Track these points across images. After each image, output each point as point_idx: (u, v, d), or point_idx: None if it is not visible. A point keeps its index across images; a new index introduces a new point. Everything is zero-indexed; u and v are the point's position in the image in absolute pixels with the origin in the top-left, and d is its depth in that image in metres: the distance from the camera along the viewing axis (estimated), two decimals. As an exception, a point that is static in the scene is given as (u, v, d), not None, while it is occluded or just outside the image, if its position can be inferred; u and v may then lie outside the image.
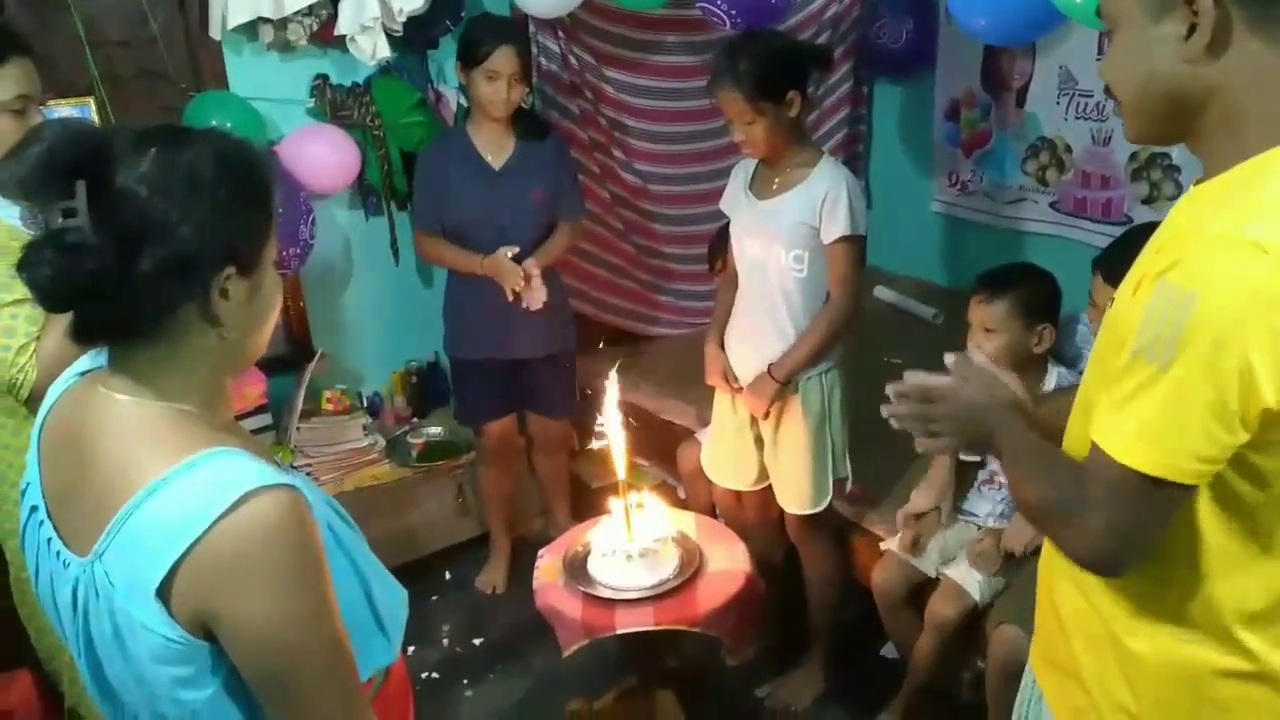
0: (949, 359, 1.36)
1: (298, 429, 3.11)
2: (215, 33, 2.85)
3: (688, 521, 2.40)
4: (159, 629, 0.92)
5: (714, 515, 2.79)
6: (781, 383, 2.40)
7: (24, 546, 1.08)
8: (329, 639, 0.97)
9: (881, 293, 3.73)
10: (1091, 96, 3.13)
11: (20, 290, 1.61)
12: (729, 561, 2.23)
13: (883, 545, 2.52)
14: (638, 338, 3.83)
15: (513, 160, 2.85)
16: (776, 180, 2.39)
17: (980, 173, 3.58)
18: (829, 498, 2.50)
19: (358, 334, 3.44)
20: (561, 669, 2.46)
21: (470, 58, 2.70)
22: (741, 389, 2.51)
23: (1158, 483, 1.00)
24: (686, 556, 2.22)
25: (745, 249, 2.46)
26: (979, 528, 2.42)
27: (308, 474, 3.05)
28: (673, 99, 3.60)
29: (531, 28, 3.28)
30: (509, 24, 2.99)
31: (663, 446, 3.23)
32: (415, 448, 3.33)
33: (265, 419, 3.08)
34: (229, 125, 2.74)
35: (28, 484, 1.07)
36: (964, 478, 2.44)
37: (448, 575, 3.33)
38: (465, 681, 2.86)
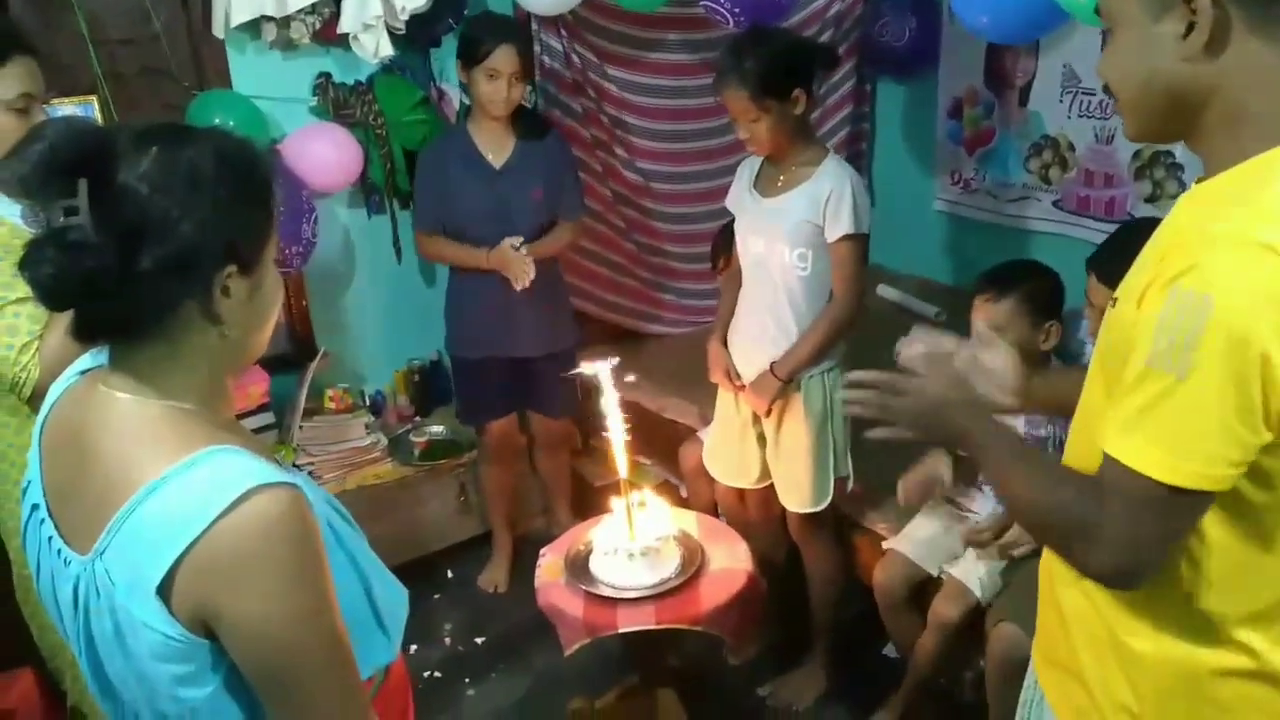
0: (914, 349, 1.36)
1: (300, 427, 3.11)
2: (218, 31, 2.85)
3: (689, 520, 2.40)
4: (159, 627, 0.92)
5: (716, 514, 2.79)
6: (784, 381, 2.40)
7: (25, 545, 1.08)
8: (329, 637, 0.97)
9: (884, 291, 3.72)
10: (1095, 95, 3.12)
11: (23, 289, 1.61)
12: (731, 560, 2.23)
13: (885, 544, 2.52)
14: (639, 336, 3.83)
15: (513, 159, 2.85)
16: (781, 178, 2.39)
17: (983, 171, 3.57)
18: (830, 496, 2.50)
19: (360, 333, 3.44)
20: (563, 668, 2.46)
21: (470, 56, 2.70)
22: (744, 387, 2.51)
23: (1184, 492, 0.99)
24: (688, 555, 2.22)
25: (749, 247, 2.45)
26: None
27: (310, 473, 3.05)
28: (675, 97, 3.59)
29: (534, 26, 3.28)
30: (509, 22, 2.99)
31: (664, 445, 3.23)
32: (417, 446, 3.33)
33: (268, 417, 3.09)
34: (232, 123, 2.75)
35: (29, 482, 1.07)
36: (965, 474, 2.44)
37: (450, 574, 3.33)
38: (467, 680, 2.86)
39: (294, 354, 3.25)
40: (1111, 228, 3.07)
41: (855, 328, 2.43)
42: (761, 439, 2.57)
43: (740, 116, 2.30)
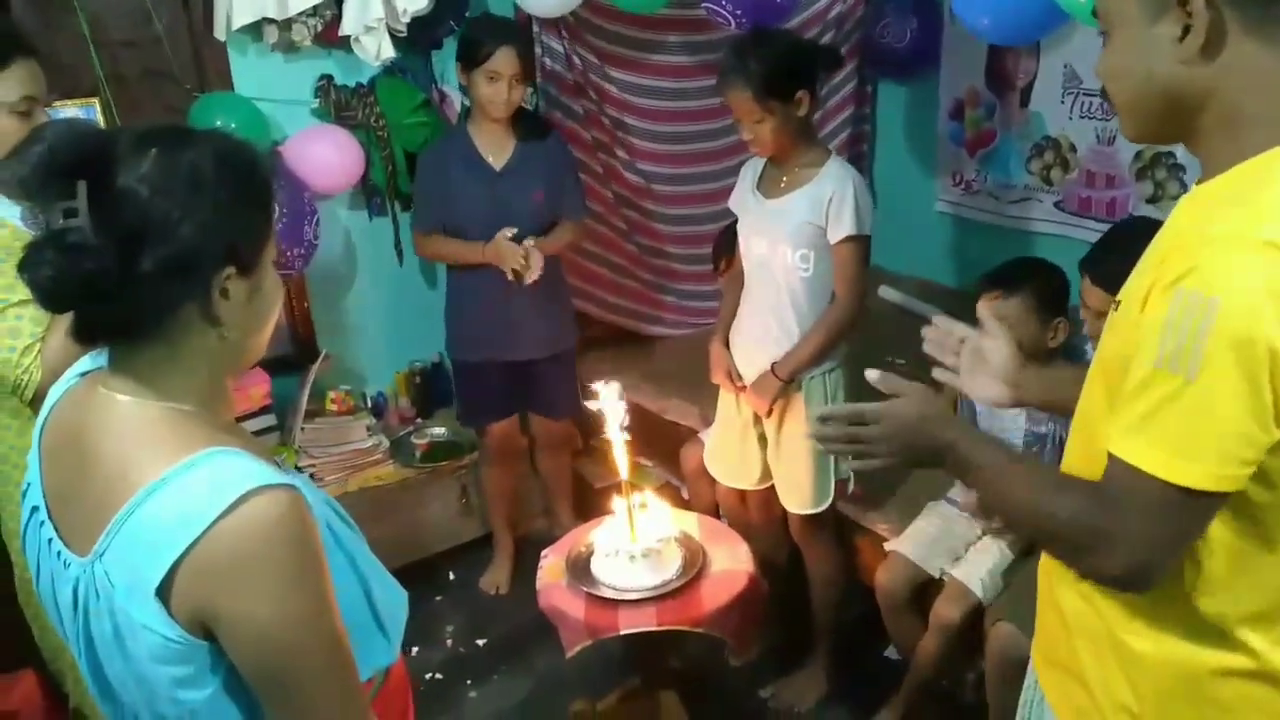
0: (871, 376, 1.34)
1: (302, 429, 3.12)
2: (220, 33, 2.85)
3: (690, 522, 2.40)
4: (159, 629, 0.92)
5: (717, 516, 2.79)
6: (785, 381, 2.40)
7: (25, 547, 1.09)
8: (328, 638, 0.97)
9: (886, 292, 3.71)
10: (1096, 96, 3.12)
11: (25, 291, 1.61)
12: (732, 562, 2.23)
13: (886, 546, 2.52)
14: (640, 337, 3.82)
15: (514, 161, 2.85)
16: (784, 179, 2.39)
17: (984, 172, 3.57)
18: (830, 498, 2.50)
19: (362, 334, 3.44)
20: (565, 669, 2.46)
21: (471, 58, 2.70)
22: (745, 388, 2.51)
23: (1197, 494, 0.98)
24: (689, 557, 2.22)
25: (752, 247, 2.46)
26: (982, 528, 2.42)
27: (312, 474, 3.06)
28: (676, 99, 3.59)
29: (535, 28, 3.28)
30: (509, 25, 2.99)
31: (666, 446, 3.23)
32: (419, 448, 3.33)
33: (269, 419, 3.09)
34: (233, 126, 2.75)
35: (29, 484, 1.07)
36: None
37: (451, 576, 3.33)
38: (469, 682, 2.86)
39: (295, 356, 3.25)
40: (1113, 229, 3.07)
41: (857, 329, 2.42)
42: (763, 440, 2.57)
43: (744, 117, 2.31)
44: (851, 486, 2.55)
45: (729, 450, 2.67)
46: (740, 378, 2.53)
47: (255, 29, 2.88)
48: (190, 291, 0.96)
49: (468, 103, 2.94)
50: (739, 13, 2.76)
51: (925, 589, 2.42)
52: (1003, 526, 2.28)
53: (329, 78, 3.09)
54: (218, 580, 0.90)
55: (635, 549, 2.16)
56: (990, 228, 3.59)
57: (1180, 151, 2.85)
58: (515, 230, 2.79)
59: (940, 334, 1.55)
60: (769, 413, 2.47)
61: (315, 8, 2.86)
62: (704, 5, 2.82)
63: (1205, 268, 0.95)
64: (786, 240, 2.36)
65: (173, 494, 0.92)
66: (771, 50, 2.27)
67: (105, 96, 2.71)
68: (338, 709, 0.99)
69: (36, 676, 2.32)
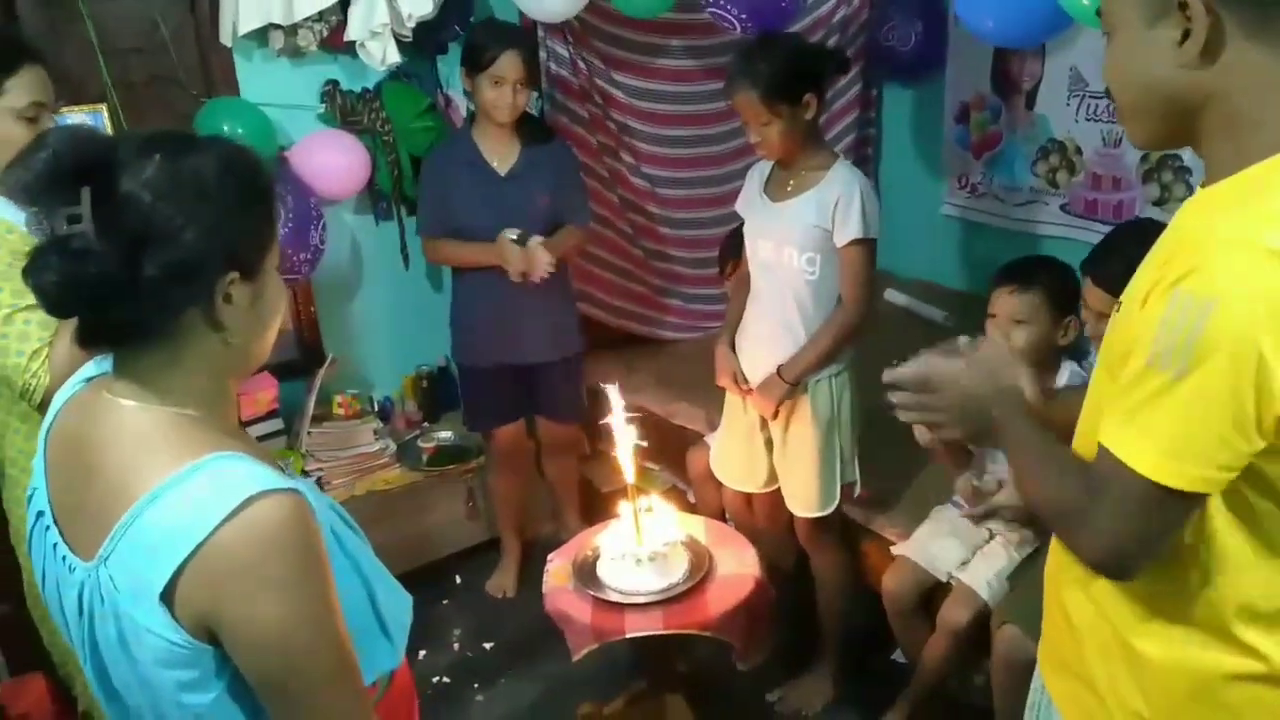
0: (962, 341, 1.35)
1: (309, 434, 3.12)
2: (226, 39, 2.86)
3: (697, 525, 2.40)
4: (163, 633, 0.92)
5: (724, 519, 2.79)
6: (791, 384, 2.40)
7: (31, 551, 1.09)
8: (332, 642, 0.97)
9: (892, 296, 3.72)
10: (1102, 98, 3.12)
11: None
12: (738, 566, 2.23)
13: (894, 550, 2.51)
14: (647, 341, 3.83)
15: (518, 165, 2.86)
16: (791, 182, 2.39)
17: (990, 175, 3.57)
18: (837, 501, 2.49)
19: (368, 339, 3.45)
20: (572, 673, 2.46)
21: (475, 63, 2.71)
22: (751, 390, 2.51)
23: (1172, 492, 0.99)
24: (696, 560, 2.22)
25: (758, 250, 2.46)
26: (989, 530, 2.41)
27: (319, 479, 3.06)
28: (681, 103, 3.60)
29: (540, 32, 3.29)
30: (514, 29, 3.00)
31: (672, 450, 3.23)
32: (426, 452, 3.33)
33: (277, 424, 3.10)
34: (240, 131, 2.76)
35: (34, 490, 1.08)
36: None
37: (458, 579, 3.34)
38: (476, 685, 2.86)
39: (302, 360, 3.26)
40: (1120, 231, 3.06)
41: (864, 332, 2.42)
42: (769, 443, 2.57)
43: (751, 120, 2.31)
44: (858, 489, 2.54)
45: (735, 454, 2.66)
46: (746, 381, 2.53)
47: (261, 35, 2.89)
48: (193, 296, 0.97)
49: (472, 107, 2.94)
50: (744, 17, 2.76)
51: (932, 593, 2.41)
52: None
53: (335, 83, 3.10)
54: (221, 584, 0.91)
55: (642, 553, 2.16)
56: (996, 231, 3.59)
57: (1187, 154, 2.85)
58: (518, 231, 2.78)
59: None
60: (775, 415, 2.47)
61: (321, 13, 2.86)
62: (709, 10, 2.83)
63: (1205, 270, 0.95)
64: (793, 243, 2.36)
65: (176, 499, 0.92)
66: (779, 53, 2.27)
67: (112, 102, 2.72)
68: (342, 713, 0.99)
69: (46, 680, 2.32)
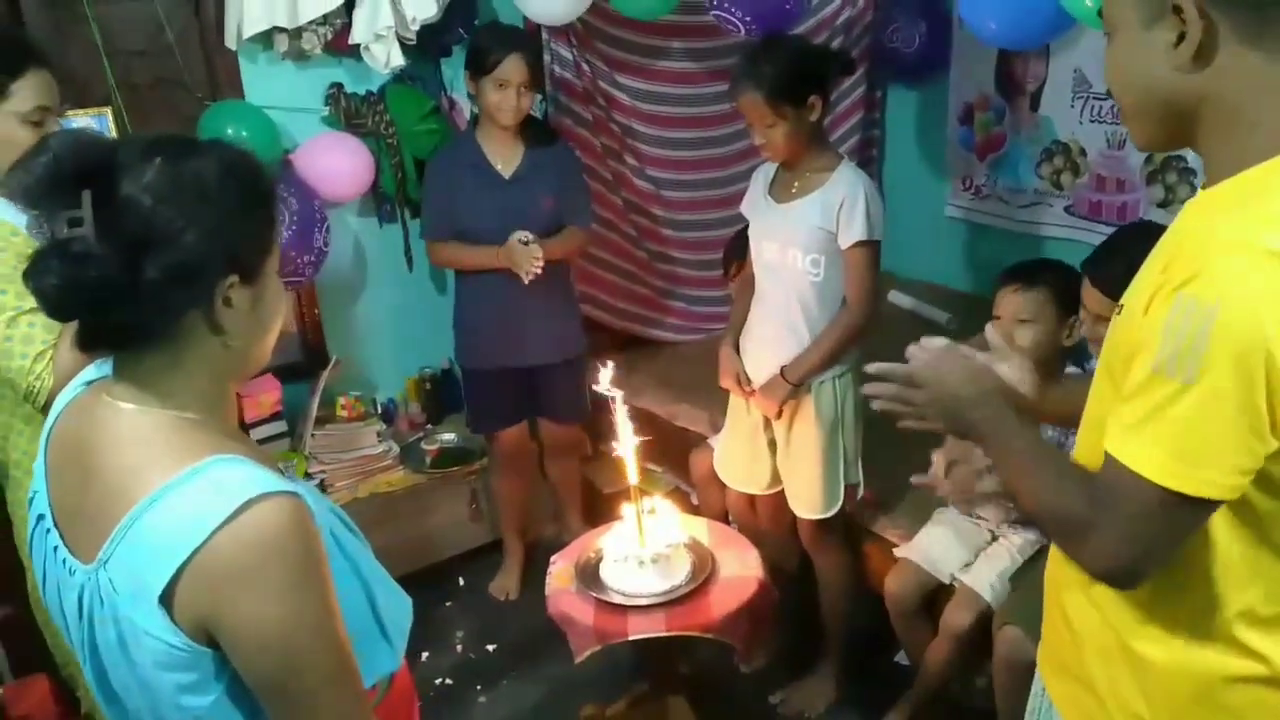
0: (911, 350, 1.35)
1: (312, 436, 3.13)
2: (231, 42, 2.87)
3: (700, 527, 2.40)
4: (162, 635, 0.92)
5: (727, 521, 2.79)
6: (794, 384, 2.40)
7: (32, 554, 1.09)
8: (331, 645, 0.97)
9: (896, 297, 3.72)
10: (1106, 100, 3.11)
11: (37, 298, 1.63)
12: (741, 567, 2.23)
13: (897, 552, 2.51)
14: (649, 343, 3.83)
15: (523, 168, 2.86)
16: (796, 184, 2.39)
17: (994, 177, 3.56)
18: (840, 502, 2.50)
19: (372, 341, 3.45)
20: (574, 675, 2.46)
21: (479, 66, 2.71)
22: (754, 392, 2.51)
23: (1190, 500, 0.98)
24: (699, 562, 2.22)
25: (763, 252, 2.46)
26: (991, 532, 2.41)
27: (322, 480, 3.07)
28: (684, 105, 3.60)
29: (545, 35, 3.29)
30: (518, 32, 3.00)
31: (675, 452, 3.23)
32: (429, 454, 3.33)
33: (280, 426, 3.11)
34: (244, 134, 2.77)
35: (34, 493, 1.08)
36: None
37: (461, 581, 3.34)
38: (479, 687, 2.86)
39: (306, 363, 3.27)
40: (1125, 233, 3.05)
41: (868, 334, 2.42)
42: (772, 445, 2.57)
43: (756, 122, 2.31)
44: (861, 491, 2.54)
45: (739, 455, 2.66)
46: (749, 382, 2.53)
47: (266, 38, 2.90)
48: (194, 300, 0.97)
49: (476, 110, 2.95)
50: (748, 19, 2.77)
51: (935, 595, 2.41)
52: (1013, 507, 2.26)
53: (339, 86, 3.11)
54: (220, 587, 0.91)
55: (644, 554, 2.16)
56: (1000, 232, 3.59)
57: (1191, 156, 2.84)
58: (528, 234, 2.77)
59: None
60: (778, 415, 2.47)
61: (325, 16, 2.87)
62: (713, 12, 2.83)
63: (1207, 274, 0.95)
64: (797, 245, 2.36)
65: (175, 501, 0.92)
66: (784, 55, 2.28)
67: (117, 105, 2.73)
68: (341, 715, 0.99)
69: (49, 682, 2.33)
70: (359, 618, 1.07)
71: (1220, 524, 1.05)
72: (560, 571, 2.29)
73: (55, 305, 0.93)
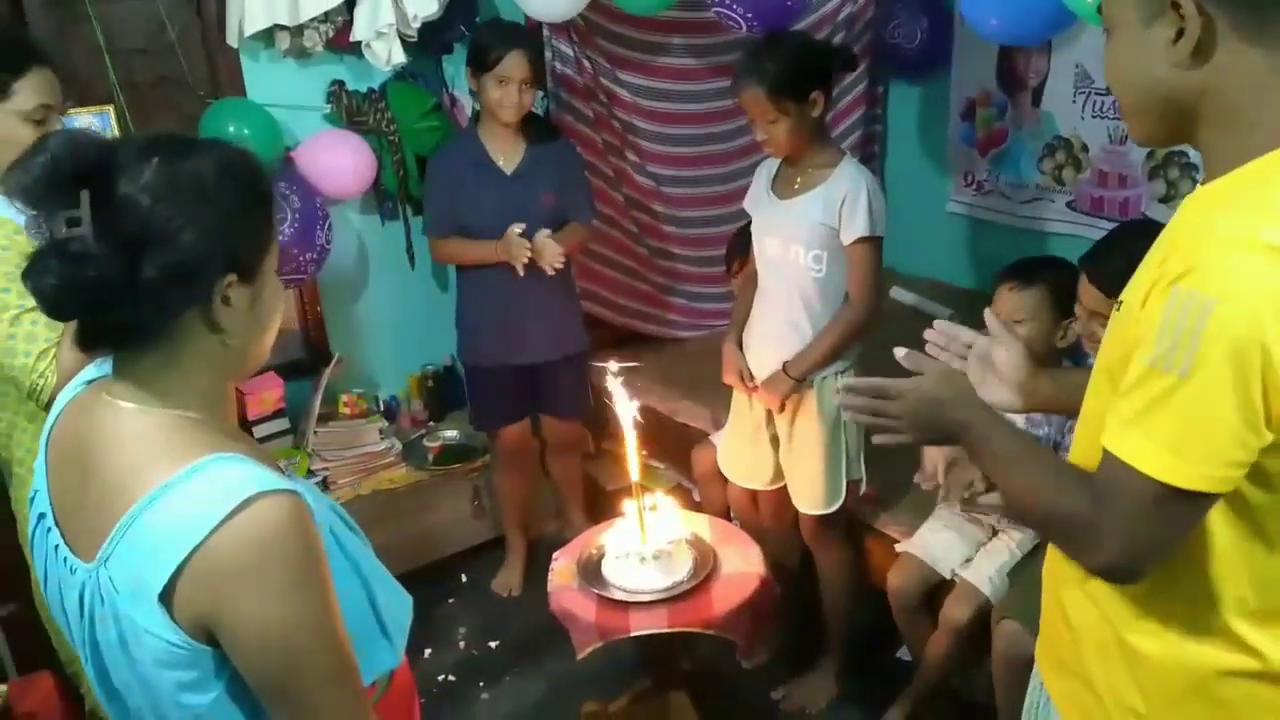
0: (899, 353, 1.36)
1: (315, 433, 3.13)
2: (232, 40, 2.87)
3: (701, 524, 2.40)
4: (162, 634, 0.93)
5: (728, 518, 2.79)
6: (796, 380, 2.40)
7: (33, 552, 1.10)
8: (331, 643, 0.98)
9: (898, 294, 3.71)
10: (1107, 95, 3.10)
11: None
12: (743, 564, 2.23)
13: (898, 547, 2.51)
14: (651, 340, 3.83)
15: (524, 164, 2.86)
16: (798, 180, 2.40)
17: (996, 172, 3.56)
18: (842, 498, 2.50)
19: (374, 338, 3.46)
20: (576, 671, 2.47)
21: (480, 63, 2.71)
22: (757, 387, 2.51)
23: (1186, 493, 0.98)
24: (700, 559, 2.22)
25: (765, 248, 2.46)
26: (992, 528, 2.41)
27: (324, 478, 3.07)
28: (685, 101, 3.60)
29: (546, 31, 3.29)
30: (519, 29, 3.00)
31: (676, 448, 3.23)
32: (431, 451, 3.34)
33: (283, 423, 3.11)
34: (246, 132, 2.77)
35: (35, 491, 1.08)
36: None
37: (464, 578, 3.35)
38: (481, 684, 2.86)
39: (308, 360, 3.27)
40: (1127, 229, 3.05)
41: (870, 330, 2.42)
42: (775, 441, 2.58)
43: (758, 118, 2.31)
44: (863, 487, 2.54)
45: (741, 451, 2.67)
46: (752, 378, 2.54)
47: (267, 35, 2.90)
48: (192, 299, 0.97)
49: (478, 107, 2.95)
50: (749, 15, 2.76)
51: (937, 590, 2.42)
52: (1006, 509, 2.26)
53: (340, 83, 3.11)
54: (220, 585, 0.91)
55: (646, 551, 2.16)
56: (1002, 228, 3.58)
57: (1193, 151, 2.83)
58: (524, 226, 2.77)
59: (943, 338, 1.54)
60: (781, 409, 2.47)
61: (327, 14, 2.87)
62: (714, 9, 2.82)
63: (1204, 268, 0.95)
64: (800, 241, 2.36)
65: (175, 500, 0.92)
66: (785, 51, 2.28)
67: (119, 104, 2.73)
68: (341, 713, 0.99)
69: (53, 679, 2.33)
70: (359, 616, 1.07)
71: (1214, 518, 1.05)
72: (562, 568, 2.29)
73: (54, 305, 0.93)
